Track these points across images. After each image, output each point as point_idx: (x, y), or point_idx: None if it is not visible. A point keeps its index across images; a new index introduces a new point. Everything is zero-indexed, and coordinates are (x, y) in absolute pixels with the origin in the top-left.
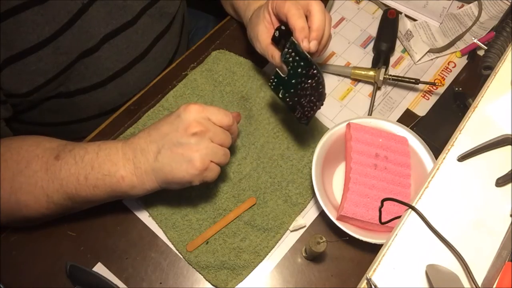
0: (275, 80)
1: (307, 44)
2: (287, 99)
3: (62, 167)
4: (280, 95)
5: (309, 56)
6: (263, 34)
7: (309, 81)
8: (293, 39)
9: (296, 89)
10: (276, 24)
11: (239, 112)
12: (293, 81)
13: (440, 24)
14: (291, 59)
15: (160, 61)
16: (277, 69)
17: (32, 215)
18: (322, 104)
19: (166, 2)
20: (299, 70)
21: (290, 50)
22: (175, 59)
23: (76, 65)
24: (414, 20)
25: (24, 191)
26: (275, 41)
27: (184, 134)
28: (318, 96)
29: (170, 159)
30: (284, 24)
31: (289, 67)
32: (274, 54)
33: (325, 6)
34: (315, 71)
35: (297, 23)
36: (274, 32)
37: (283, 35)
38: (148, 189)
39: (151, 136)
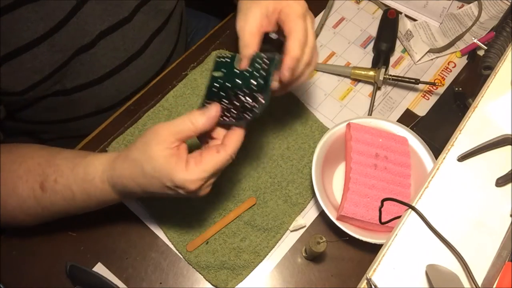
0: (226, 60)
1: (285, 73)
2: (215, 85)
3: (53, 202)
4: (214, 74)
5: (270, 83)
6: (255, 20)
7: (248, 100)
8: (278, 59)
9: (231, 89)
10: (273, 22)
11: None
12: (239, 82)
13: (440, 24)
14: (258, 65)
15: (157, 58)
16: (238, 55)
17: (30, 226)
18: (235, 124)
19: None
20: (252, 81)
21: (266, 60)
22: (173, 57)
23: (72, 62)
24: (414, 20)
25: (18, 211)
26: (263, 39)
27: (182, 193)
28: (237, 117)
29: (168, 197)
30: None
31: (249, 70)
32: (250, 45)
33: (325, 6)
34: (259, 102)
35: (295, 50)
36: (270, 34)
37: (273, 43)
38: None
39: (140, 186)
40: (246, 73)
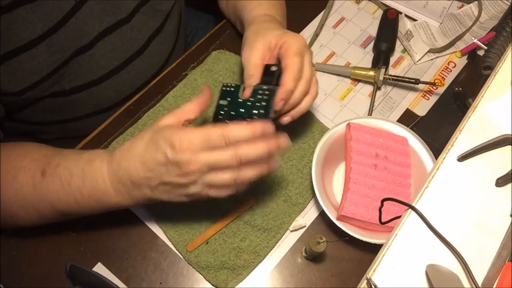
0: (231, 90)
1: (278, 103)
2: (221, 112)
3: (50, 188)
4: (220, 102)
5: (270, 113)
6: (258, 53)
7: None
8: (275, 90)
9: (235, 117)
10: (274, 55)
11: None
12: (242, 110)
13: (440, 24)
14: (259, 96)
15: (156, 59)
16: (242, 85)
17: (26, 225)
18: None
19: (159, 0)
20: (253, 111)
21: (266, 92)
22: (172, 57)
23: (70, 63)
24: (414, 20)
25: (14, 204)
26: (264, 70)
27: (177, 176)
28: None
29: (166, 194)
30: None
31: (252, 100)
32: (254, 76)
33: (325, 6)
34: None
35: (288, 82)
36: (271, 66)
37: (274, 74)
38: (146, 203)
39: (139, 171)
40: (248, 103)
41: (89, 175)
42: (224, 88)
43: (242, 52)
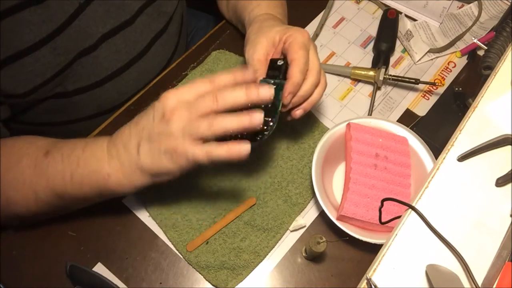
0: None
1: (286, 96)
2: None
3: (50, 164)
4: None
5: (279, 107)
6: (262, 49)
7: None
8: (284, 84)
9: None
10: (279, 50)
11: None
12: (249, 104)
13: (440, 24)
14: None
15: (158, 60)
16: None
17: (22, 213)
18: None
19: (163, 1)
20: (261, 106)
21: (274, 86)
22: (173, 58)
23: (74, 65)
24: (414, 20)
25: (13, 187)
26: (270, 64)
27: (160, 123)
28: (250, 139)
29: (151, 152)
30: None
31: None
32: (260, 71)
33: (325, 6)
34: (268, 126)
35: (296, 75)
36: (277, 60)
37: (280, 69)
38: (137, 186)
39: (131, 130)
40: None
41: (91, 143)
42: None
43: (246, 50)
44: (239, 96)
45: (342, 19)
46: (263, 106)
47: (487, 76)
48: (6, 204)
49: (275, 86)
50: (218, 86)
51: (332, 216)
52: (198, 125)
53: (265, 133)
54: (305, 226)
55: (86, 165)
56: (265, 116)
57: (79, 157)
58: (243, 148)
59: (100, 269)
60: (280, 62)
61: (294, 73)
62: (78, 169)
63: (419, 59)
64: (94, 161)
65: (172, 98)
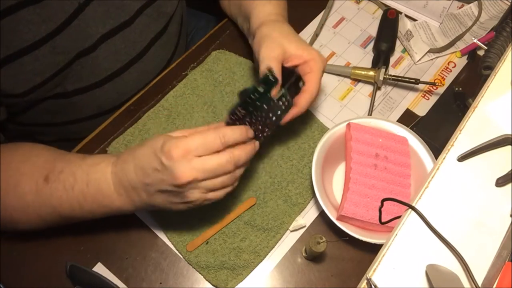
0: (271, 79)
1: (286, 119)
2: (252, 97)
3: (53, 193)
4: (258, 88)
5: (281, 119)
6: (280, 53)
7: (259, 126)
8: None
9: (257, 109)
10: (292, 61)
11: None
12: (265, 107)
13: (440, 24)
14: (281, 102)
15: (158, 61)
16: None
17: (26, 229)
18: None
19: (163, 1)
20: (271, 114)
21: (286, 103)
22: (173, 59)
23: (73, 65)
24: (414, 20)
25: (16, 210)
26: (282, 70)
27: (173, 185)
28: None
29: (164, 201)
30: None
31: (275, 101)
32: (276, 68)
33: (325, 6)
34: (265, 132)
35: (303, 106)
36: (293, 72)
37: (285, 70)
38: (148, 210)
39: (138, 176)
40: (271, 103)
41: (93, 178)
42: (267, 77)
43: (262, 48)
44: (252, 154)
45: (342, 19)
46: (271, 114)
47: (487, 76)
48: (10, 224)
49: (287, 104)
50: (230, 142)
51: (332, 216)
52: (219, 181)
53: (261, 136)
54: (305, 226)
55: (94, 200)
56: (269, 121)
57: (84, 192)
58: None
59: (100, 269)
60: (301, 84)
61: (303, 103)
62: (86, 203)
63: (419, 59)
64: (101, 197)
65: (184, 159)
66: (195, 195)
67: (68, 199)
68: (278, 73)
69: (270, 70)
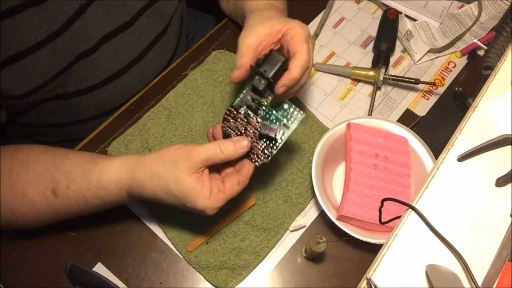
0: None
1: (280, 89)
2: (248, 99)
3: (66, 207)
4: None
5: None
6: (255, 36)
7: (260, 143)
8: (302, 117)
9: (254, 112)
10: (275, 41)
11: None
12: (273, 117)
13: (440, 24)
14: (284, 118)
15: (158, 62)
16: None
17: (29, 228)
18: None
19: (164, 2)
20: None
21: (262, 80)
22: (173, 60)
23: (74, 66)
24: (414, 20)
25: (27, 216)
26: (268, 54)
27: (197, 213)
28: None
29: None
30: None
31: (279, 115)
32: (244, 56)
33: (325, 6)
34: (263, 153)
35: (296, 71)
36: (279, 55)
37: (274, 59)
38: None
39: (158, 198)
40: (274, 114)
41: (108, 201)
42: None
43: (240, 35)
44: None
45: (342, 19)
46: (274, 126)
47: (487, 76)
48: (22, 226)
49: (293, 118)
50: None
51: (332, 216)
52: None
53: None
54: (305, 226)
55: (105, 204)
56: (268, 134)
57: (99, 206)
58: None
59: (100, 269)
60: (282, 60)
61: (295, 67)
62: (99, 208)
63: (419, 59)
64: (114, 202)
65: (210, 199)
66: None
67: (85, 210)
68: (248, 57)
69: (257, 77)
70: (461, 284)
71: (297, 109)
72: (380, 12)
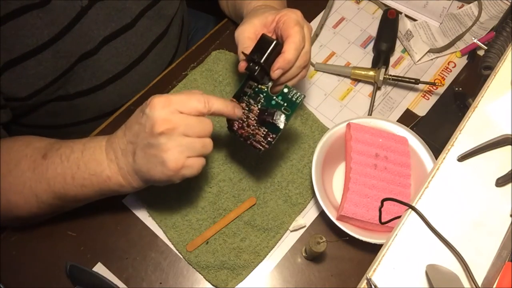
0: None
1: (275, 72)
2: (248, 86)
3: (49, 167)
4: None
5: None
6: (252, 27)
7: (262, 130)
8: (301, 99)
9: (256, 101)
10: (271, 31)
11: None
12: (273, 103)
13: (440, 24)
14: (284, 102)
15: (159, 63)
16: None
17: (23, 215)
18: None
19: (164, 3)
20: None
21: (255, 66)
22: (174, 61)
23: (75, 68)
24: (414, 20)
25: (14, 191)
26: (260, 39)
27: (152, 134)
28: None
29: (145, 161)
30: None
31: (278, 100)
32: (248, 48)
33: (325, 6)
34: (263, 139)
35: (290, 52)
36: (270, 38)
37: (267, 47)
38: (136, 187)
39: (126, 136)
40: (274, 100)
41: (89, 146)
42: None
43: (236, 29)
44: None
45: (342, 19)
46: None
47: (487, 76)
48: (7, 207)
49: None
50: (213, 111)
51: (332, 216)
52: (194, 145)
53: (266, 146)
54: (305, 226)
55: (86, 168)
56: (271, 121)
57: (79, 160)
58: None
59: (100, 269)
60: (273, 42)
61: (289, 49)
62: (78, 171)
63: (419, 59)
64: (94, 164)
65: (164, 108)
66: (173, 152)
67: (62, 170)
68: (247, 50)
69: (251, 64)
70: (461, 284)
71: (298, 93)
72: (380, 12)
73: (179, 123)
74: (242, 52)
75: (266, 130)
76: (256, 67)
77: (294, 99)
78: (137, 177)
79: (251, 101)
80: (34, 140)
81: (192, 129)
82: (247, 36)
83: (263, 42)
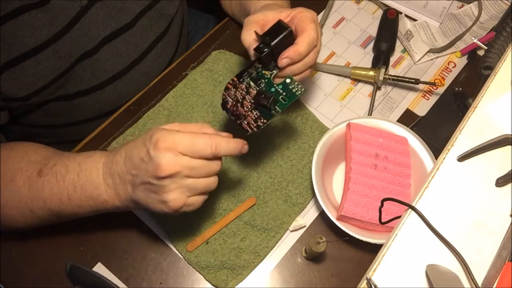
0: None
1: (283, 60)
2: (252, 69)
3: (45, 185)
4: (264, 72)
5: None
6: (264, 16)
7: (254, 112)
8: (301, 90)
9: (256, 85)
10: None
11: (243, 140)
12: (272, 90)
13: (440, 24)
14: (284, 92)
15: (159, 62)
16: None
17: (20, 227)
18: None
19: (165, 3)
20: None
21: (265, 48)
22: (174, 60)
23: (75, 68)
24: (414, 20)
25: (10, 205)
26: (273, 26)
27: (154, 176)
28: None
29: (145, 196)
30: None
31: (278, 88)
32: (249, 37)
33: (325, 6)
34: (257, 123)
35: (302, 44)
36: (285, 25)
37: (279, 33)
38: (132, 209)
39: (126, 166)
40: (274, 88)
41: (85, 168)
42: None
43: (247, 18)
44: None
45: (342, 19)
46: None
47: (487, 76)
48: (4, 220)
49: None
50: (220, 153)
51: (332, 216)
52: (196, 186)
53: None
54: (305, 226)
55: (83, 190)
56: (266, 106)
57: (75, 181)
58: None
59: (100, 269)
60: (288, 29)
61: (302, 42)
62: (74, 193)
63: (419, 59)
64: (90, 187)
65: (170, 152)
66: (175, 193)
67: (58, 191)
68: (250, 32)
69: (261, 45)
70: (461, 284)
71: (299, 85)
72: (380, 12)
73: (183, 167)
74: (255, 32)
75: (258, 114)
76: (265, 49)
77: (294, 90)
78: (134, 205)
79: (252, 83)
80: (29, 151)
81: (196, 172)
82: (255, 20)
83: (278, 27)
